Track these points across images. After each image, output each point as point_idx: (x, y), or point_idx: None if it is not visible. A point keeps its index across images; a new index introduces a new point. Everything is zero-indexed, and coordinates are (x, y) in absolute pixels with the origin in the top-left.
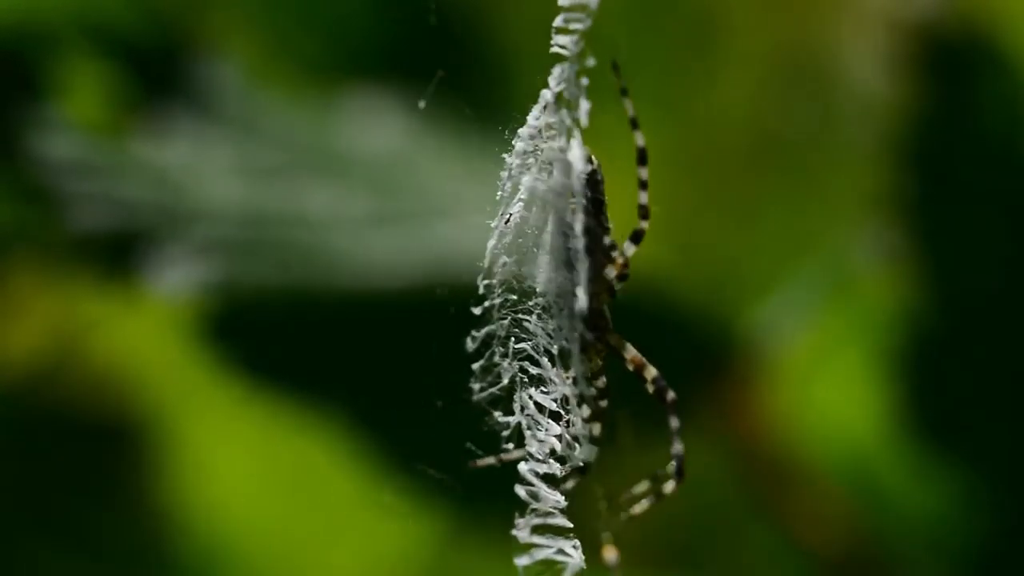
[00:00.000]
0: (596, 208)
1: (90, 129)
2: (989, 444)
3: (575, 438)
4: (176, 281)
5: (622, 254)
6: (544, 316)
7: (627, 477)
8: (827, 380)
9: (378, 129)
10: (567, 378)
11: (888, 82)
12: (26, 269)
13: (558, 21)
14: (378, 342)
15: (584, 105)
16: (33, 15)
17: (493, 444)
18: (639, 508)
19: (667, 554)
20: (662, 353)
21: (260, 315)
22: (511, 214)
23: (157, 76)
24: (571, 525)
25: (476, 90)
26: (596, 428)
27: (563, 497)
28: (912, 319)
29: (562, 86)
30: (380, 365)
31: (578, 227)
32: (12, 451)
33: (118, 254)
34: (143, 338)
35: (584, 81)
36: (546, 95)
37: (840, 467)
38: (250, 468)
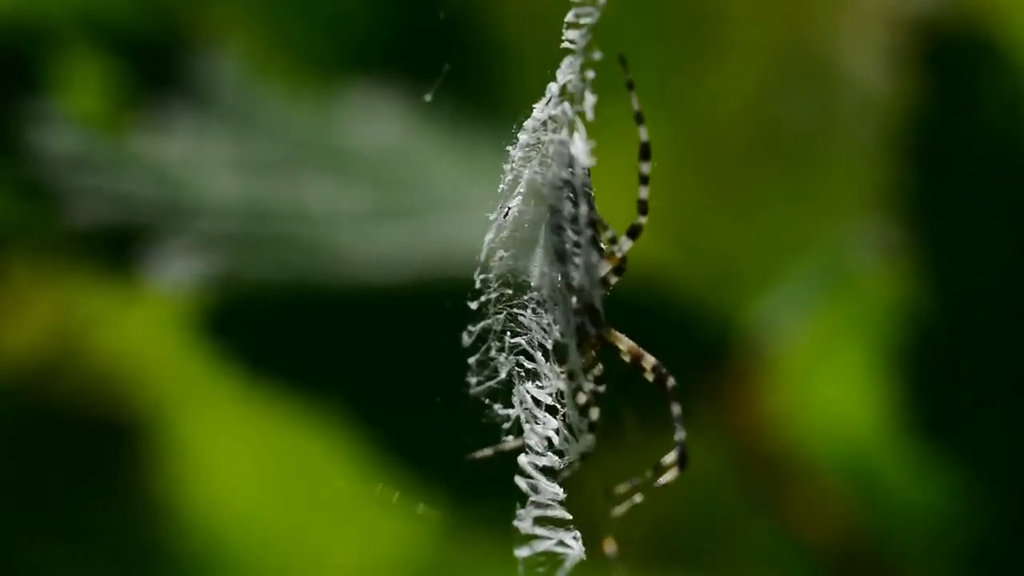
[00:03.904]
0: (589, 201)
1: (89, 124)
2: (988, 440)
3: (571, 430)
4: (175, 276)
5: (619, 248)
6: (539, 311)
7: (629, 470)
8: (827, 376)
9: (378, 123)
10: (561, 372)
11: (888, 78)
12: (25, 264)
13: (569, 16)
14: (378, 337)
15: (589, 98)
16: (33, 10)
17: (491, 438)
18: (639, 498)
19: (667, 551)
20: (661, 349)
21: (259, 310)
22: (509, 208)
23: (156, 71)
24: (570, 517)
25: (475, 85)
26: (595, 413)
27: (562, 489)
28: (912, 315)
29: (568, 78)
30: (380, 360)
31: (578, 221)
32: (11, 447)
33: (118, 249)
34: (143, 333)
35: (591, 74)
36: (552, 88)
37: (839, 463)
38: (249, 463)
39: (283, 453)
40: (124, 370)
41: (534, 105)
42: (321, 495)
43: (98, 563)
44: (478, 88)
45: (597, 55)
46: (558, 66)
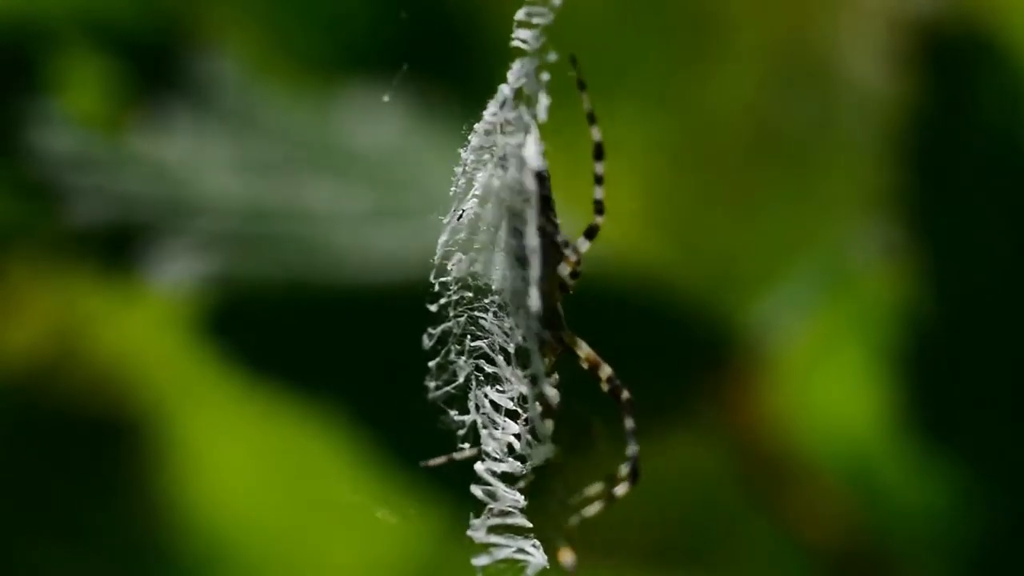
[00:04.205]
0: (545, 204)
1: (89, 123)
2: (988, 440)
3: (533, 436)
4: (175, 276)
5: (575, 251)
6: (500, 314)
7: (597, 478)
8: (826, 376)
9: (377, 124)
10: (523, 376)
11: (888, 78)
12: (25, 264)
13: (520, 15)
14: (378, 337)
15: (544, 100)
16: (32, 10)
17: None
18: (592, 510)
19: (666, 551)
20: (661, 349)
21: (259, 310)
22: (464, 210)
23: (156, 71)
24: (531, 524)
25: (476, 85)
26: (549, 425)
27: (522, 496)
28: (912, 315)
29: (522, 81)
30: (379, 360)
31: (531, 224)
32: (11, 447)
33: (117, 249)
34: (142, 333)
35: (545, 76)
36: (504, 90)
37: (839, 463)
38: (249, 463)
39: (283, 453)
40: (124, 370)
41: (486, 108)
42: (321, 495)
43: (98, 563)
44: (478, 88)
45: (552, 56)
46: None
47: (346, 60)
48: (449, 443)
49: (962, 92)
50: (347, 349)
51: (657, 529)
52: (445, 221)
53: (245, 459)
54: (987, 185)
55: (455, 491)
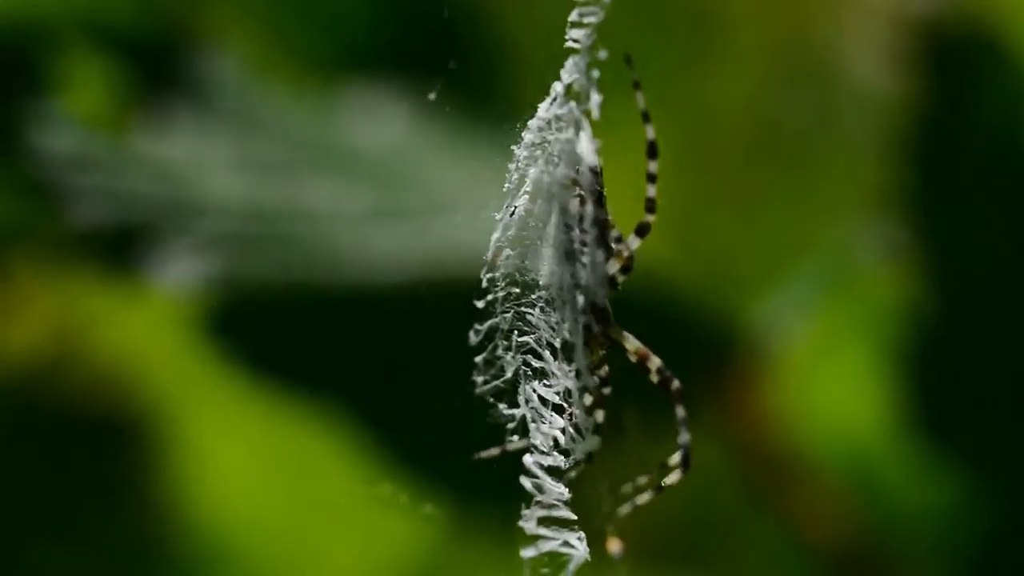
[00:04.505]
0: (597, 200)
1: (91, 124)
2: (991, 441)
3: (578, 430)
4: (177, 276)
5: (627, 247)
6: (547, 309)
7: (633, 469)
8: (829, 376)
9: (379, 124)
10: (569, 371)
11: (890, 78)
12: (27, 264)
13: (573, 15)
14: (380, 337)
15: (595, 98)
16: (34, 10)
17: (494, 439)
18: (643, 498)
19: (669, 551)
20: (663, 349)
21: (262, 310)
22: (515, 207)
23: (158, 71)
24: (575, 517)
25: (476, 85)
26: (600, 415)
27: (567, 489)
28: (914, 315)
29: (574, 78)
30: (382, 360)
31: (586, 219)
32: (12, 446)
33: (119, 249)
34: (144, 333)
35: (596, 73)
36: (557, 87)
37: (842, 463)
38: (251, 463)
39: (285, 453)
40: (126, 370)
41: (539, 104)
42: (323, 495)
43: (99, 563)
44: (479, 88)
45: (602, 54)
46: (559, 65)
47: (347, 60)
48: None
49: (964, 92)
50: (348, 349)
51: (658, 528)
52: (498, 217)
53: (246, 459)
54: (989, 185)
55: (455, 491)
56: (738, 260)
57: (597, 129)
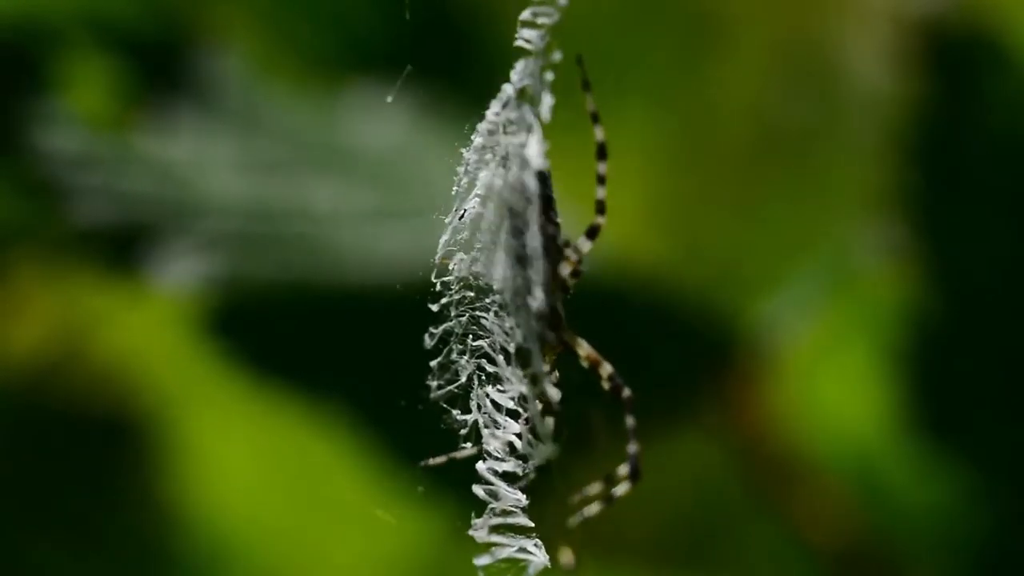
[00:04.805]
0: (547, 204)
1: (94, 123)
2: (992, 440)
3: (535, 435)
4: (180, 276)
5: (576, 250)
6: (501, 314)
7: (599, 476)
8: (831, 376)
9: (382, 123)
10: (523, 376)
11: (892, 77)
12: (29, 264)
13: (526, 15)
14: (382, 337)
15: (547, 100)
16: (37, 9)
17: (453, 444)
18: (592, 510)
19: (670, 551)
20: (665, 349)
21: (264, 310)
22: (465, 210)
23: (160, 70)
24: (532, 524)
25: (477, 86)
26: (550, 424)
27: (524, 495)
28: (915, 315)
29: (525, 81)
30: (384, 360)
31: (533, 224)
32: (14, 446)
33: (122, 248)
34: (146, 333)
35: (549, 76)
36: (507, 90)
37: (843, 463)
38: (253, 463)
39: (286, 453)
40: (128, 370)
41: (487, 108)
42: (324, 495)
43: (100, 563)
44: (480, 88)
45: (557, 56)
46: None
47: (350, 59)
48: (450, 443)
49: (966, 92)
50: (350, 349)
51: (660, 528)
52: (447, 220)
53: (248, 459)
54: (991, 185)
55: (456, 491)
56: (739, 260)
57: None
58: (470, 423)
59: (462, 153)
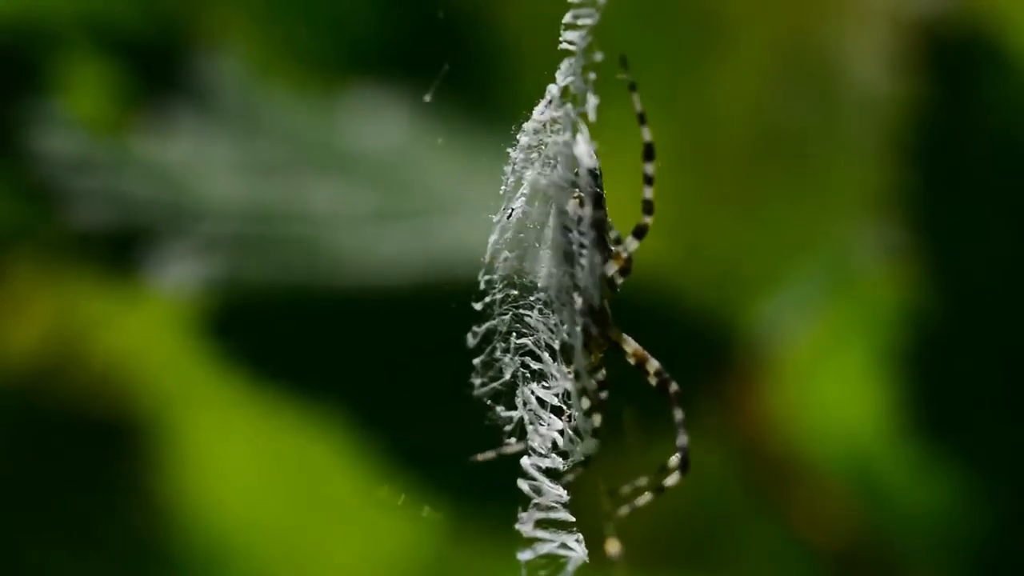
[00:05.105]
0: (597, 202)
1: (92, 126)
2: (991, 441)
3: (576, 432)
4: (178, 278)
5: (625, 248)
6: (545, 311)
7: (632, 471)
8: (830, 377)
9: (381, 125)
10: (568, 373)
11: (892, 78)
12: (28, 266)
13: (568, 17)
14: (381, 339)
15: (592, 100)
16: (35, 12)
17: (493, 440)
18: (642, 500)
19: (669, 552)
20: (664, 350)
21: (262, 312)
22: (513, 209)
23: (159, 73)
24: (573, 519)
25: (479, 86)
26: (597, 420)
27: (565, 491)
28: (915, 316)
29: (569, 79)
30: (383, 362)
31: (584, 222)
32: (14, 449)
33: (120, 251)
34: (145, 335)
35: (592, 75)
36: (552, 89)
37: (842, 464)
38: (251, 465)
39: (285, 455)
40: (126, 372)
41: (534, 107)
42: (323, 497)
43: (99, 564)
44: (479, 89)
45: (598, 56)
46: (557, 66)
47: (349, 62)
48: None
49: (965, 93)
50: (348, 351)
51: (660, 529)
52: (495, 220)
53: (246, 460)
54: (990, 186)
55: (456, 492)
56: (739, 261)
57: (597, 131)
58: (515, 420)
59: (508, 153)
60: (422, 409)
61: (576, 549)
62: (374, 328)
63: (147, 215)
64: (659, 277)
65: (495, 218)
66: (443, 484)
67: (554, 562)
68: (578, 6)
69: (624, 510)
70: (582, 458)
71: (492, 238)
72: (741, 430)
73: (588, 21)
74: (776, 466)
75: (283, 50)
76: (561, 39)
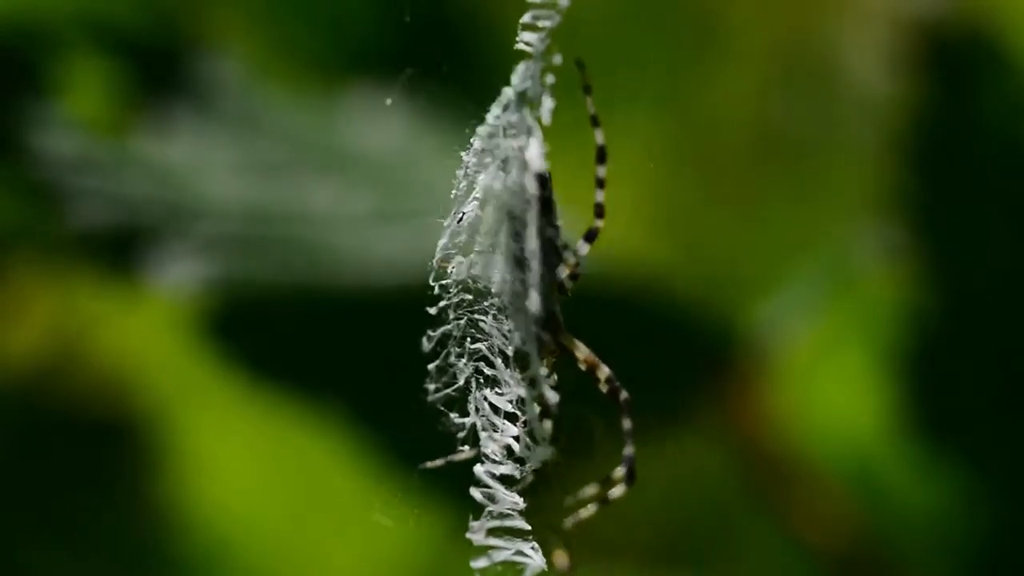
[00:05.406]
0: (547, 207)
1: (92, 126)
2: (991, 441)
3: (533, 438)
4: (178, 278)
5: (574, 253)
6: (499, 316)
7: (593, 479)
8: (829, 378)
9: (380, 126)
10: (521, 379)
11: (890, 79)
12: (27, 266)
13: (526, 18)
14: (380, 339)
15: (547, 103)
16: (35, 12)
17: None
18: (587, 512)
19: (668, 552)
20: (663, 351)
21: (262, 312)
22: (464, 213)
23: (159, 73)
24: (529, 527)
25: (479, 87)
26: (548, 427)
27: (521, 499)
28: (914, 316)
29: (526, 84)
30: (382, 362)
31: (531, 227)
32: (13, 449)
33: (120, 251)
34: (144, 335)
35: (549, 79)
36: (507, 93)
37: (841, 465)
38: (251, 465)
39: (285, 455)
40: (125, 372)
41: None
42: (323, 497)
43: (99, 564)
44: (479, 90)
45: (557, 59)
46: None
47: (348, 62)
48: (449, 445)
49: (965, 94)
50: (348, 351)
51: (659, 530)
52: (445, 224)
53: (246, 461)
54: (990, 186)
55: (456, 492)
56: (739, 262)
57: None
58: (468, 426)
59: (461, 157)
60: (422, 409)
61: (533, 556)
62: (374, 328)
63: (147, 215)
64: (659, 277)
65: (445, 222)
66: (443, 484)
67: (512, 569)
68: (538, 7)
69: (569, 521)
70: (537, 465)
71: (441, 242)
72: (741, 430)
73: (547, 23)
74: (776, 466)
75: (283, 50)
76: (517, 40)
